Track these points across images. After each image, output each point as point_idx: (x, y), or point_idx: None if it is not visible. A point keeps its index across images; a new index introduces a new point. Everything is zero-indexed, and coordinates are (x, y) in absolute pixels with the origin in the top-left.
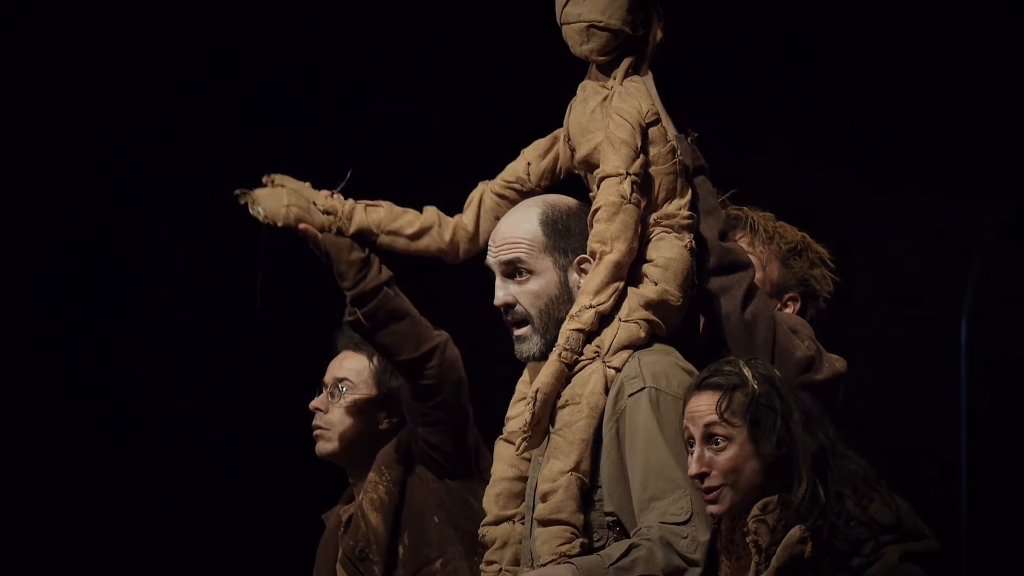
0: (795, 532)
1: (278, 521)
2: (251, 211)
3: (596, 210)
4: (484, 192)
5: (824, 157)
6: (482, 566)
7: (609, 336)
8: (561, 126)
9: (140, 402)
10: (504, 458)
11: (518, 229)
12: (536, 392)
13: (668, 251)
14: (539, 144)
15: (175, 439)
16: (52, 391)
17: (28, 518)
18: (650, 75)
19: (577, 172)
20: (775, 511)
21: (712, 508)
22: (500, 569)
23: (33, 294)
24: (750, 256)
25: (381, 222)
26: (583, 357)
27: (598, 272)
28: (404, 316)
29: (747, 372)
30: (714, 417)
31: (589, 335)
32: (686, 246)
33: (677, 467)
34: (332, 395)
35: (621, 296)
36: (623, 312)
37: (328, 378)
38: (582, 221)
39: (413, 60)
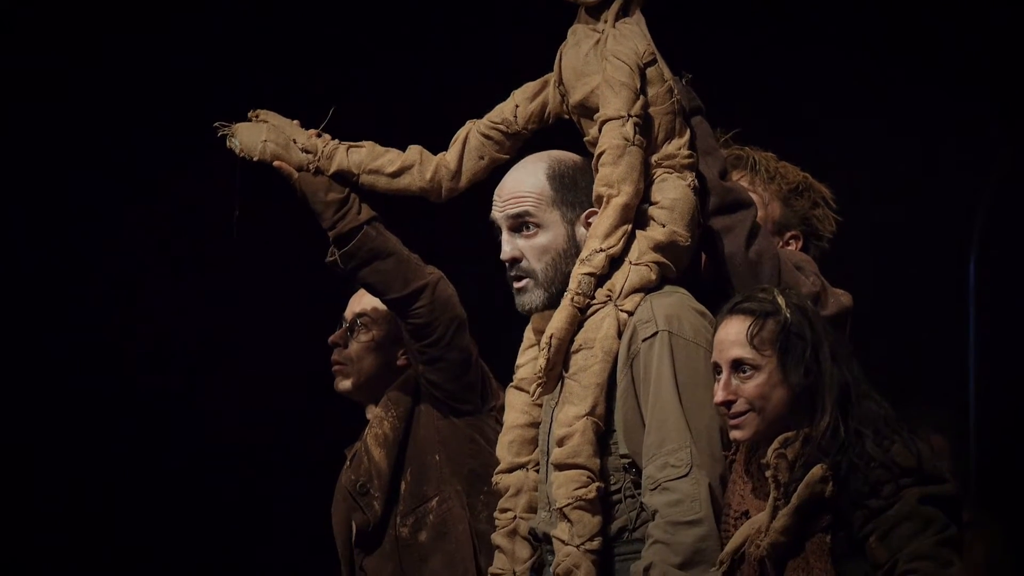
0: (817, 471)
1: (300, 456)
2: (228, 144)
3: (600, 154)
4: (470, 131)
5: (833, 96)
6: (496, 514)
7: (620, 280)
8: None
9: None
10: (516, 406)
11: (524, 183)
12: (550, 337)
13: (672, 192)
14: (529, 87)
15: (195, 375)
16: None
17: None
18: (642, 17)
19: (569, 117)
20: (794, 445)
21: (736, 434)
22: (514, 516)
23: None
24: (751, 195)
25: (362, 162)
26: (595, 301)
27: (607, 215)
28: (388, 255)
29: (780, 300)
30: (743, 344)
31: (600, 279)
32: (689, 185)
33: (684, 415)
34: (351, 331)
35: (630, 239)
36: (633, 255)
37: (348, 313)
38: (588, 176)
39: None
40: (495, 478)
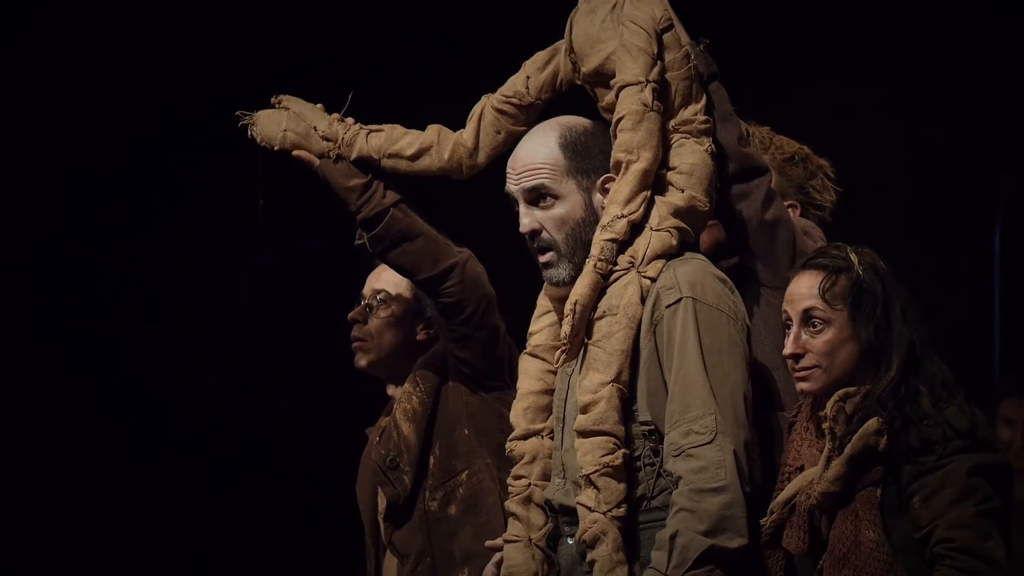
0: (872, 423)
1: (321, 436)
2: (249, 133)
3: (619, 119)
4: (485, 107)
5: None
6: (510, 480)
7: (642, 246)
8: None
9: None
10: (530, 372)
11: (538, 154)
12: (575, 304)
13: (690, 157)
14: (539, 56)
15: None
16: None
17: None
18: None
19: (581, 84)
20: (854, 399)
21: (802, 386)
22: (529, 483)
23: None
24: None
25: (382, 147)
26: (618, 268)
27: (627, 181)
28: (416, 236)
29: (853, 257)
30: (816, 296)
31: (622, 244)
32: (706, 150)
33: (708, 382)
34: (370, 307)
35: (650, 204)
36: (653, 221)
37: (366, 290)
38: (600, 140)
39: None
40: (509, 444)
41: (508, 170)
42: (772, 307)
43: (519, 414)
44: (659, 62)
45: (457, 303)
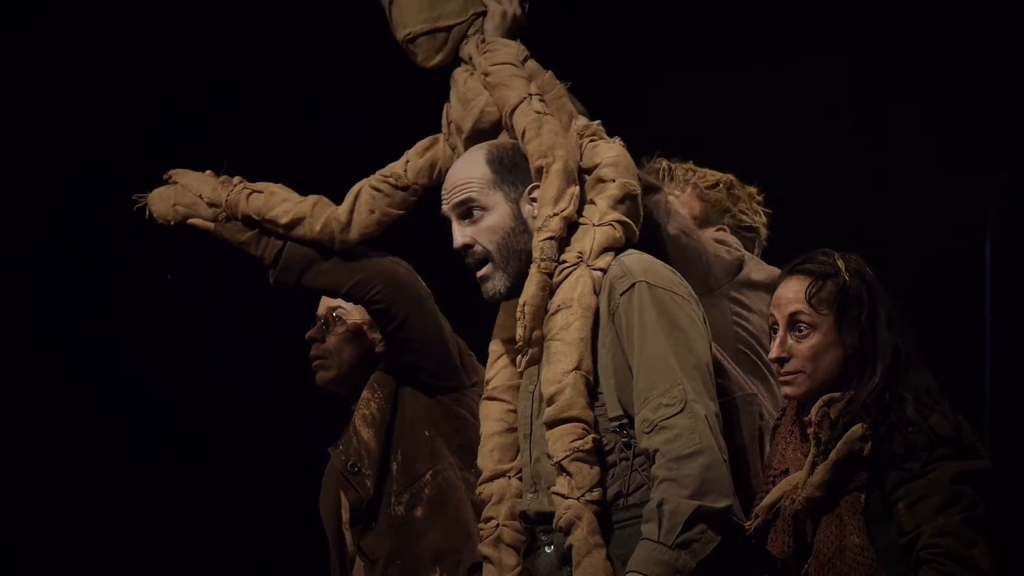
0: (856, 429)
1: (284, 457)
2: (147, 214)
3: (522, 134)
4: (363, 186)
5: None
6: (480, 524)
7: (588, 241)
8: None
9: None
10: (491, 416)
11: (466, 171)
12: (523, 306)
13: (610, 152)
14: (420, 144)
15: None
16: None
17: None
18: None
19: None
20: (838, 405)
21: (786, 390)
22: (497, 524)
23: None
24: (671, 198)
25: (260, 209)
26: (567, 264)
27: (550, 182)
28: (318, 257)
29: (840, 263)
30: (801, 301)
31: (560, 241)
32: (621, 145)
33: (672, 356)
34: (327, 324)
35: (581, 200)
36: (594, 217)
37: (321, 310)
38: (523, 155)
39: None
40: (479, 488)
41: (442, 193)
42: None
43: (485, 457)
44: (533, 82)
45: (387, 308)
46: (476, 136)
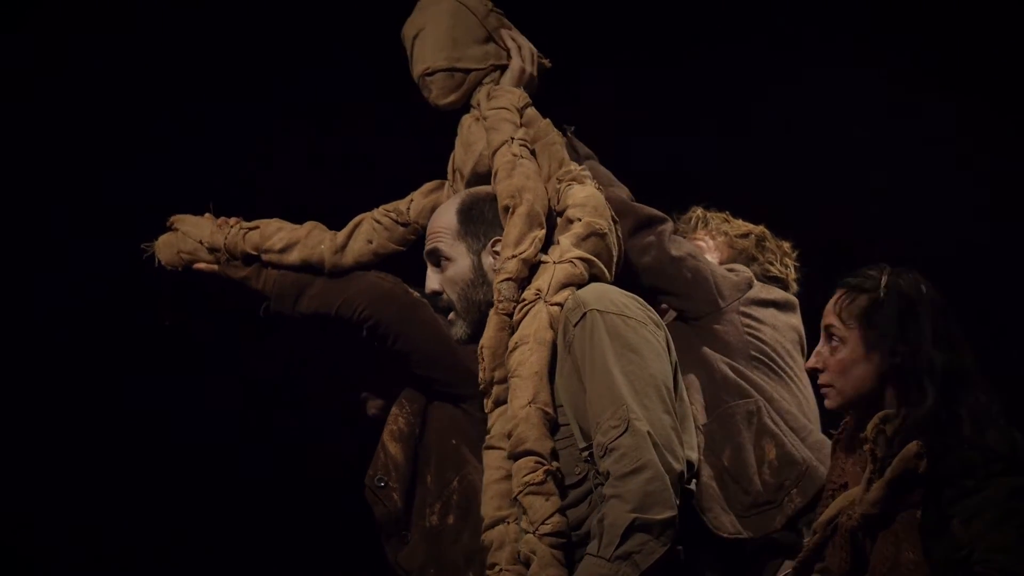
0: (912, 447)
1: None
2: (156, 263)
3: (495, 173)
4: (366, 217)
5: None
6: (487, 570)
7: (547, 278)
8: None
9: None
10: (491, 464)
11: (439, 220)
12: (482, 348)
13: (580, 192)
14: (426, 185)
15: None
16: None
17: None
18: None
19: None
20: (894, 422)
21: (826, 403)
22: (500, 569)
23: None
24: (700, 243)
25: (256, 244)
26: (526, 302)
27: (514, 224)
28: (311, 281)
29: (884, 278)
30: (833, 315)
31: (520, 282)
32: (595, 187)
33: (621, 380)
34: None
35: (548, 242)
36: (555, 256)
37: None
38: (495, 207)
39: None
40: (482, 536)
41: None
42: (710, 338)
43: (486, 504)
44: (524, 128)
45: (375, 325)
46: (475, 180)
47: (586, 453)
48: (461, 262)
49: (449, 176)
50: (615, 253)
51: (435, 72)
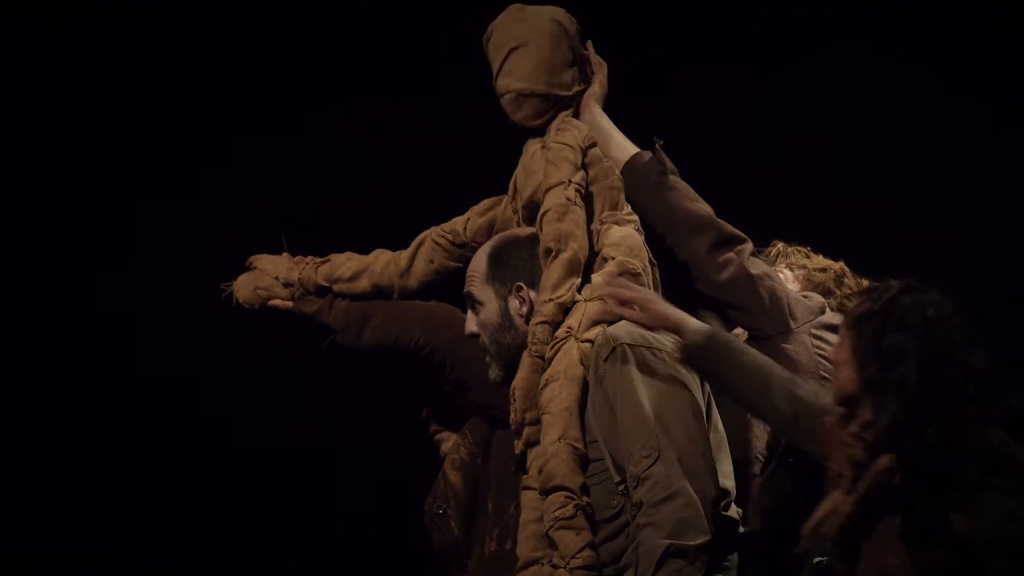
0: (883, 461)
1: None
2: (233, 302)
3: (545, 212)
4: (428, 236)
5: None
6: None
7: (578, 316)
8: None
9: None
10: (527, 504)
11: (473, 265)
12: (514, 390)
13: (617, 233)
14: (483, 203)
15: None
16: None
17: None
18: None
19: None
20: (873, 429)
21: None
22: None
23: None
24: (780, 275)
25: (329, 275)
26: (557, 340)
27: (554, 268)
28: (375, 311)
29: (889, 293)
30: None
31: (554, 325)
32: (634, 228)
33: (652, 412)
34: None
35: (584, 282)
36: (586, 293)
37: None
38: (524, 250)
39: None
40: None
41: None
42: (780, 356)
43: (522, 544)
44: (583, 171)
45: (431, 354)
46: (530, 207)
47: (621, 487)
48: (490, 306)
49: (509, 194)
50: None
51: (532, 95)
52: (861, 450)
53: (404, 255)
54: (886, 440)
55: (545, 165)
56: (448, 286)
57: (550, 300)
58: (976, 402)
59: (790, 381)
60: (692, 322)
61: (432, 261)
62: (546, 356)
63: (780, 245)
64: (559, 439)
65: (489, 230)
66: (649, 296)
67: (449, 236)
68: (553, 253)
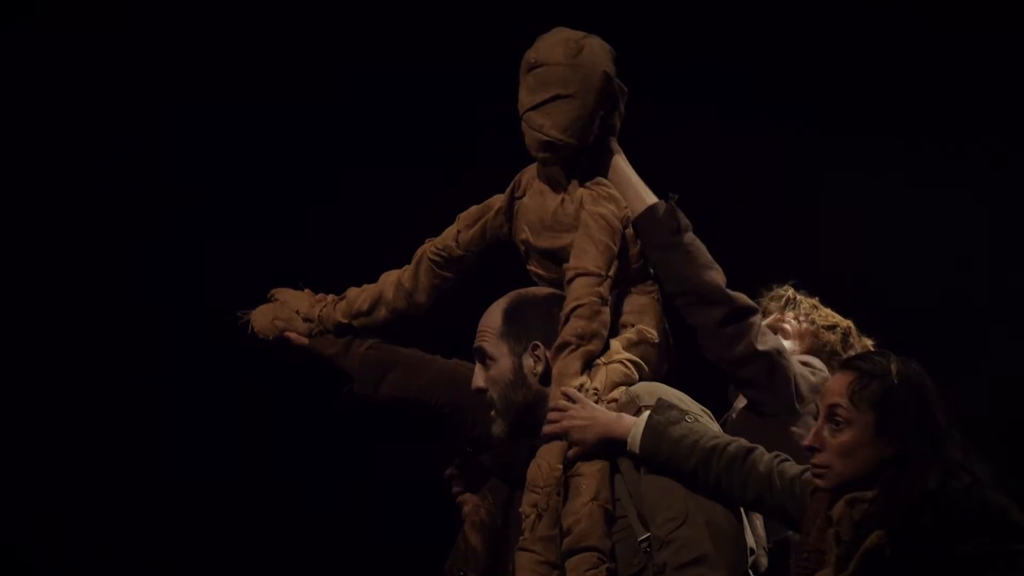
0: (874, 538)
1: None
2: (248, 330)
3: (577, 306)
4: (424, 252)
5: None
6: None
7: (601, 378)
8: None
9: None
10: (524, 567)
11: (487, 320)
12: (542, 487)
13: (638, 301)
14: (471, 213)
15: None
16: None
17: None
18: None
19: (516, 246)
20: (862, 506)
21: (816, 482)
22: None
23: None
24: (786, 326)
25: (346, 311)
26: None
27: (575, 358)
28: (395, 365)
29: (893, 366)
30: (842, 397)
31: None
32: (653, 297)
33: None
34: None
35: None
36: (603, 359)
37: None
38: (542, 309)
39: None
40: None
41: None
42: (785, 437)
43: None
44: (617, 261)
45: (453, 412)
46: (545, 252)
47: (644, 545)
48: (503, 362)
49: (504, 209)
50: (663, 363)
51: (565, 147)
52: (849, 528)
53: (407, 275)
54: (882, 514)
55: (582, 237)
56: (457, 294)
57: (562, 388)
58: (966, 471)
59: (736, 455)
60: (626, 425)
61: (435, 277)
62: None
63: (791, 292)
64: (592, 500)
65: (482, 236)
66: (576, 424)
67: (443, 253)
68: (573, 347)
